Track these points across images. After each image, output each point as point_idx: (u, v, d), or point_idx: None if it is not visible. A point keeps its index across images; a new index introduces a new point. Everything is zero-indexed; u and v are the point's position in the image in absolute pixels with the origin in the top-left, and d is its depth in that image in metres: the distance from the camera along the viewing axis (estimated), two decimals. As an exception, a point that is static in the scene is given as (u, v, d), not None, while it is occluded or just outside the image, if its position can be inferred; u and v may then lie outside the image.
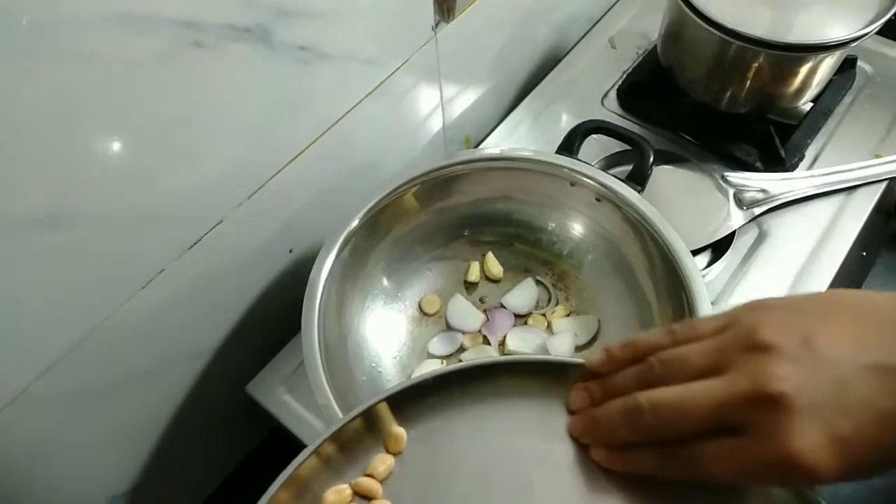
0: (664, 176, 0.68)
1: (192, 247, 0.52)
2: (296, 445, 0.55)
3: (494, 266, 0.64)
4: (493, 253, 0.64)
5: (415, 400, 0.38)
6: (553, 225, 0.64)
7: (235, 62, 0.45)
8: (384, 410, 0.37)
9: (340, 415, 0.47)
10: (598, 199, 0.59)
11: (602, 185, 0.58)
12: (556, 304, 0.63)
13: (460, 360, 0.60)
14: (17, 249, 0.39)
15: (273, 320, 0.64)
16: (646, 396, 0.31)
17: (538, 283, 0.64)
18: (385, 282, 0.62)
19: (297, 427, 0.59)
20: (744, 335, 0.30)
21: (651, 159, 0.59)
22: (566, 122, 0.76)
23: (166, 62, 0.41)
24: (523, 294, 0.63)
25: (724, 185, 0.68)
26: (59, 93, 0.37)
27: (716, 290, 0.65)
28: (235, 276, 0.59)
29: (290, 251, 0.63)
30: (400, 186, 0.58)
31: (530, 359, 0.39)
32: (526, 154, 0.59)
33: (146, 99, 0.42)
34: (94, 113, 0.39)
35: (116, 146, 0.42)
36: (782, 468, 0.27)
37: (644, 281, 0.58)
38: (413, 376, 0.54)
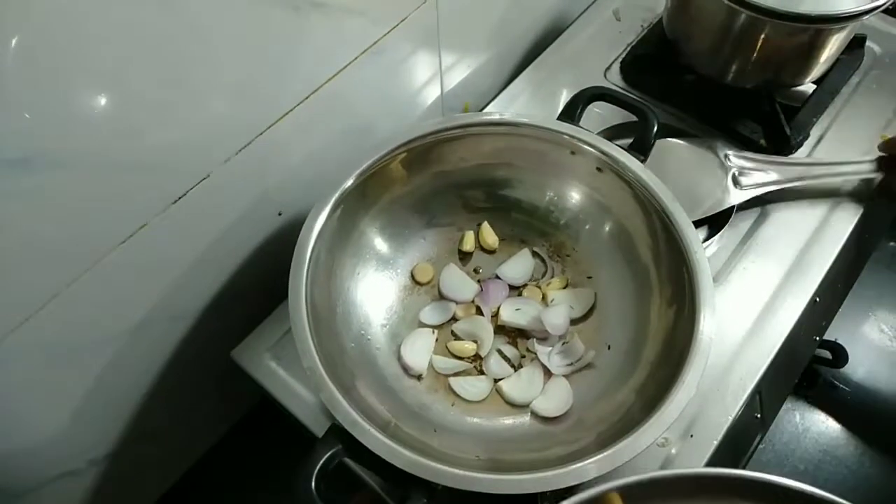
0: (665, 149, 0.66)
1: (176, 201, 0.50)
2: (282, 415, 0.56)
3: (490, 236, 0.63)
4: (488, 222, 0.63)
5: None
6: (551, 194, 0.62)
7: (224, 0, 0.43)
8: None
9: (327, 379, 0.45)
10: (599, 169, 0.57)
11: (604, 153, 0.56)
12: (552, 276, 0.62)
13: (453, 332, 0.59)
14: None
15: (260, 286, 0.62)
16: None
17: (534, 254, 0.63)
18: (377, 248, 0.60)
19: (283, 395, 0.57)
20: None
21: (655, 128, 0.57)
22: (567, 94, 0.74)
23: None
24: (519, 265, 0.61)
25: (725, 162, 0.66)
26: (42, 33, 0.35)
27: (715, 268, 0.63)
28: (222, 236, 0.57)
29: (280, 214, 0.61)
30: (394, 149, 0.56)
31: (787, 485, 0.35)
32: (526, 120, 0.57)
33: (130, 40, 0.39)
34: (78, 55, 0.37)
35: (98, 91, 0.40)
36: None
37: (644, 253, 0.57)
38: (404, 344, 0.55)
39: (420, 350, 0.56)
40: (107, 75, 0.40)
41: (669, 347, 0.51)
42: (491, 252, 0.63)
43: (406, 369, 0.56)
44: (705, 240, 0.64)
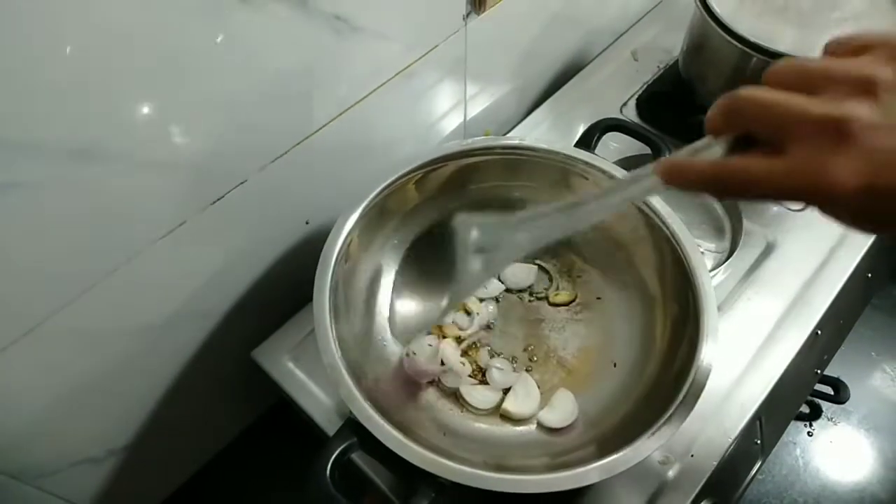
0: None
1: (215, 202, 0.52)
2: (297, 417, 0.58)
3: None
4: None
5: None
6: None
7: (271, 19, 0.46)
8: None
9: (345, 374, 0.47)
10: None
11: (611, 175, 0.59)
12: (558, 288, 0.64)
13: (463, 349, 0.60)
14: (48, 176, 0.40)
15: (284, 290, 0.64)
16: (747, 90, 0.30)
17: (541, 268, 0.65)
18: (394, 259, 0.62)
19: (299, 395, 0.59)
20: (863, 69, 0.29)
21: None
22: (585, 126, 0.72)
23: (209, 12, 0.42)
24: (519, 271, 0.64)
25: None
26: (102, 34, 0.37)
27: (720, 296, 0.65)
28: (252, 239, 0.59)
29: (307, 223, 0.64)
30: (418, 167, 0.58)
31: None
32: (544, 145, 0.60)
33: (183, 47, 0.42)
34: (134, 56, 0.40)
35: (153, 89, 0.42)
36: (809, 178, 0.28)
37: (651, 277, 0.59)
38: (413, 349, 0.57)
39: (428, 357, 0.58)
40: (164, 75, 0.42)
41: (671, 368, 0.52)
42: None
43: (416, 375, 0.57)
44: (712, 269, 0.65)
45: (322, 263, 0.52)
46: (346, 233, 0.54)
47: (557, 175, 0.61)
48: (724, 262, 0.65)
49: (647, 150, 0.63)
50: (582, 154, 0.59)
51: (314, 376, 0.60)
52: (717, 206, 0.71)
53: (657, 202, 0.56)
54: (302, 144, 0.56)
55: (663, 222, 0.56)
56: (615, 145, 0.74)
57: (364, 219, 0.56)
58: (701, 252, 0.54)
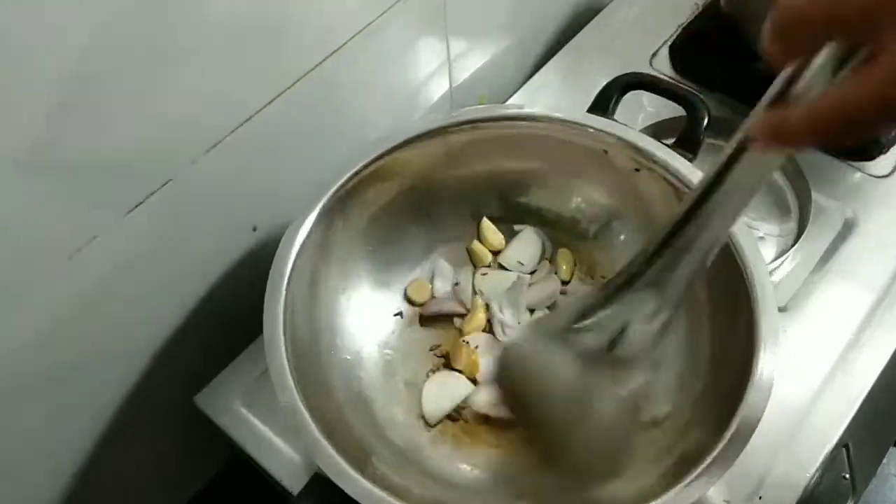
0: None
1: (131, 211, 0.52)
2: (255, 473, 0.59)
3: (492, 235, 0.66)
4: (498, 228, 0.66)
5: None
6: (579, 200, 0.64)
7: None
8: None
9: (308, 419, 0.48)
10: (637, 169, 0.59)
11: (642, 151, 0.58)
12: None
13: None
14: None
15: (231, 317, 0.63)
16: None
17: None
18: (369, 268, 0.63)
19: (256, 448, 0.60)
20: None
21: (706, 120, 0.59)
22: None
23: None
24: (523, 247, 0.66)
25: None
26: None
27: (786, 293, 0.66)
28: (186, 255, 0.59)
29: (254, 229, 0.63)
30: (391, 149, 0.59)
31: None
32: (548, 112, 0.60)
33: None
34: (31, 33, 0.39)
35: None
36: None
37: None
38: (427, 386, 0.59)
39: (445, 396, 0.60)
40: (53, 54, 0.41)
41: (721, 386, 0.52)
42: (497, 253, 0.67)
43: (426, 418, 0.59)
44: (776, 257, 0.65)
45: (273, 281, 0.53)
46: (301, 239, 0.55)
47: (567, 151, 0.61)
48: (790, 248, 0.65)
49: (683, 112, 0.63)
50: (597, 121, 0.59)
51: (273, 423, 0.61)
52: (778, 176, 0.70)
53: (693, 173, 0.56)
54: (240, 130, 0.56)
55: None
56: (645, 105, 0.74)
57: (324, 221, 0.56)
58: (759, 236, 0.54)
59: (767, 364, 0.49)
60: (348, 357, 0.60)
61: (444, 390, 0.60)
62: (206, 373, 0.63)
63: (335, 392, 0.57)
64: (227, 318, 0.64)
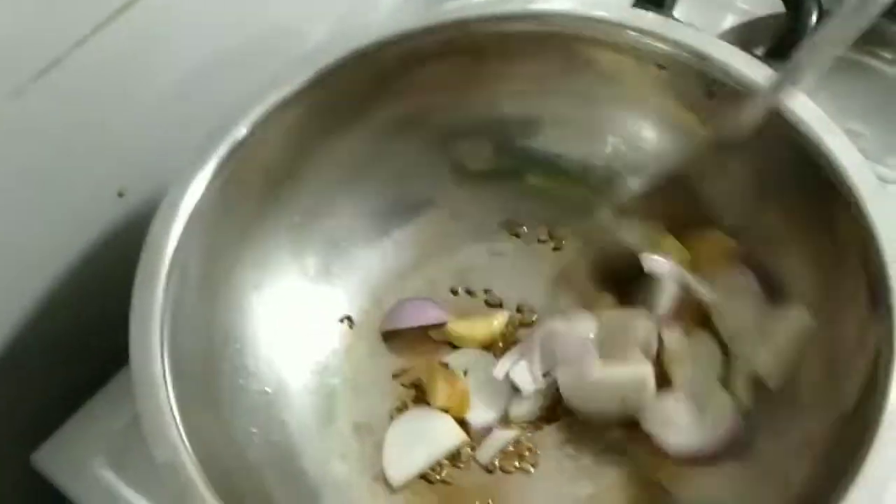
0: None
1: None
2: None
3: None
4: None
5: None
6: (616, 140, 0.58)
7: None
8: None
9: (200, 485, 0.42)
10: (710, 94, 0.52)
11: (719, 64, 0.51)
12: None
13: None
14: None
15: (87, 331, 0.58)
16: None
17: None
18: (299, 253, 0.57)
19: None
20: None
21: (813, 21, 0.55)
22: None
23: None
24: None
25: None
26: None
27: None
28: (17, 241, 0.53)
29: (121, 195, 0.57)
30: (325, 72, 0.52)
31: None
32: (571, 8, 0.53)
33: None
34: None
35: None
36: None
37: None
38: (391, 431, 0.53)
39: (418, 448, 0.54)
40: None
41: (843, 424, 0.45)
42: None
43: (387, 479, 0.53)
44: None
45: (143, 279, 0.46)
46: (185, 213, 0.48)
47: (602, 64, 0.54)
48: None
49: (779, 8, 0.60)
50: (649, 20, 0.52)
51: (150, 492, 0.53)
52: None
53: (794, 97, 0.49)
54: (91, 42, 0.49)
55: (809, 136, 0.48)
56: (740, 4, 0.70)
57: (224, 182, 0.50)
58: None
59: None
60: (266, 389, 0.53)
61: (417, 438, 0.54)
62: (48, 421, 0.56)
63: (245, 443, 0.50)
64: (83, 334, 0.59)
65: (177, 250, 0.47)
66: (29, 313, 0.56)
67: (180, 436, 0.42)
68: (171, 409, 0.43)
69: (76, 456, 0.55)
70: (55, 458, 0.55)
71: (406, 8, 0.69)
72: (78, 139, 0.52)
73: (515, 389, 0.55)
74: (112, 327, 0.46)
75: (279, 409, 0.53)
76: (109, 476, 0.54)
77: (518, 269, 0.60)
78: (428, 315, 0.58)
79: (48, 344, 0.58)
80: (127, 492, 0.53)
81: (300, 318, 0.56)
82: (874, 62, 0.69)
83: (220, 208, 0.50)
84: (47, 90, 0.48)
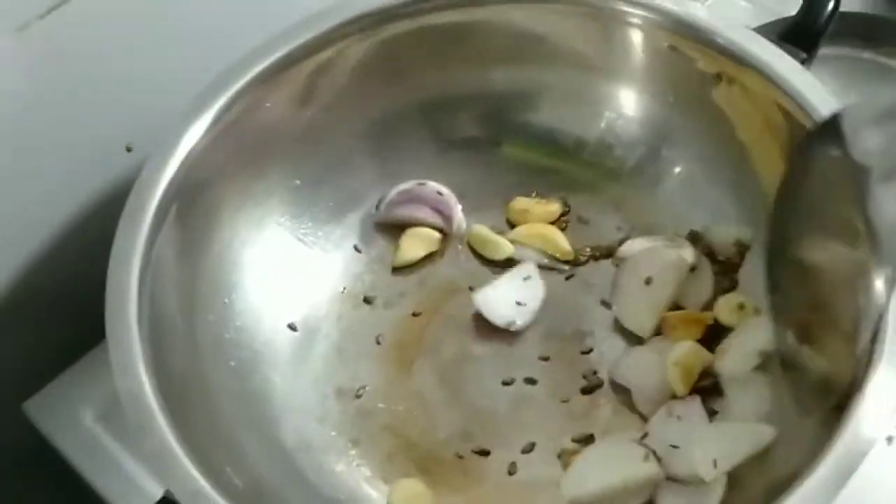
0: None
1: None
2: None
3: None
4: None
5: None
6: (612, 116, 0.57)
7: None
8: None
9: (154, 407, 0.42)
10: (717, 76, 0.52)
11: (726, 44, 0.50)
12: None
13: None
14: None
15: (89, 285, 0.53)
16: None
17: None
18: (294, 209, 0.57)
19: (107, 484, 0.53)
20: None
21: (831, 4, 0.52)
22: None
23: None
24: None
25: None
26: None
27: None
28: (22, 192, 0.53)
29: (129, 150, 0.58)
30: (327, 36, 0.52)
31: None
32: None
33: None
34: None
35: None
36: None
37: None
38: None
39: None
40: None
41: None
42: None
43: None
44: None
45: (123, 233, 0.47)
46: (171, 169, 0.48)
47: (596, 39, 0.54)
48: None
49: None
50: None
51: (135, 446, 0.53)
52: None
53: (806, 82, 0.48)
54: None
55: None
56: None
57: (217, 139, 0.50)
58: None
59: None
60: (253, 346, 0.53)
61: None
62: (45, 368, 0.57)
63: (219, 391, 0.50)
64: (86, 287, 0.53)
65: (161, 200, 0.47)
66: (31, 265, 0.57)
67: (145, 369, 0.42)
68: (143, 360, 0.42)
69: (66, 407, 0.56)
70: (46, 408, 0.55)
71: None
72: (89, 86, 0.53)
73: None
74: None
75: (262, 365, 0.53)
76: (97, 429, 0.54)
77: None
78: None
79: (49, 297, 0.58)
80: (112, 445, 0.54)
81: (291, 281, 0.56)
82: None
83: (216, 158, 0.50)
84: (52, 35, 0.48)
